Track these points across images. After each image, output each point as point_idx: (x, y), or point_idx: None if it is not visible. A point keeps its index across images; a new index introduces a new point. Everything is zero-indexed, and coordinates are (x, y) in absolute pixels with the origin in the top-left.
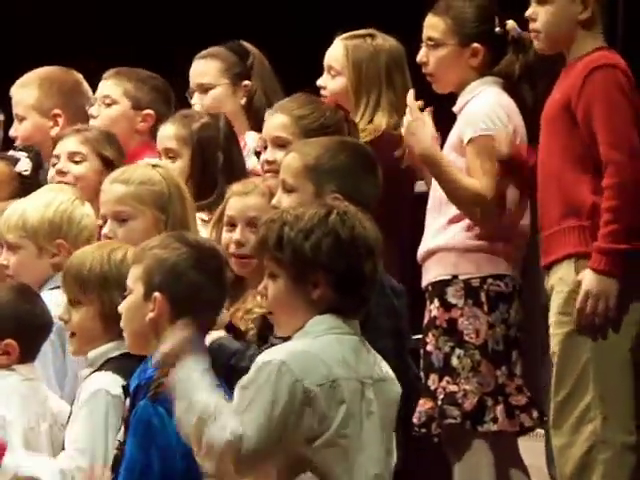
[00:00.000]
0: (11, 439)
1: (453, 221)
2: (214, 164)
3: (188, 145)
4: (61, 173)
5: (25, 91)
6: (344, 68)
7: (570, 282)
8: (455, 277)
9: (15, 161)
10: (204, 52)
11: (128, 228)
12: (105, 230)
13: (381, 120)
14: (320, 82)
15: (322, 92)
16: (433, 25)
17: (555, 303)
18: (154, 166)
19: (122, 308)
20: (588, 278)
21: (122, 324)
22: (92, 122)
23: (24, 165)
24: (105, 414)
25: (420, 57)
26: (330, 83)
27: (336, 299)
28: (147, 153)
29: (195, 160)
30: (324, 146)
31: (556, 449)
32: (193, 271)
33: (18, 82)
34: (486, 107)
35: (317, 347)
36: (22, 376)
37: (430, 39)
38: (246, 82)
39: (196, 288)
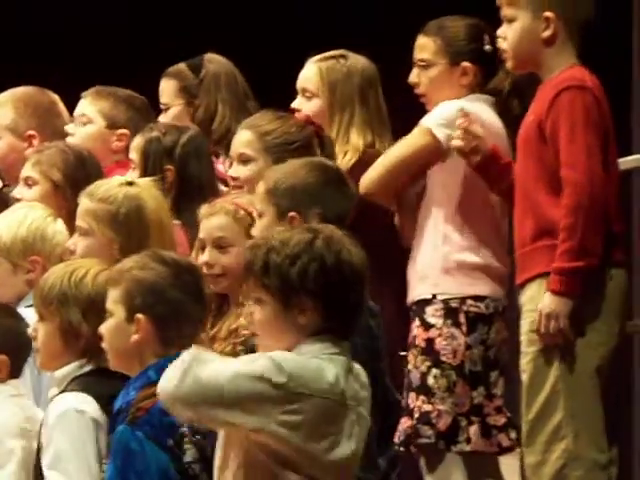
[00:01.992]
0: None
1: (431, 238)
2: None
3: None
4: (17, 199)
5: (0, 111)
6: (319, 90)
7: (539, 300)
8: (434, 297)
9: None
10: (167, 70)
11: (85, 244)
12: (68, 242)
13: (357, 139)
14: (295, 105)
15: (297, 115)
16: (423, 46)
17: (525, 322)
18: (130, 183)
19: (104, 330)
20: (544, 298)
21: (105, 346)
22: (69, 139)
23: None
24: (78, 432)
25: (412, 78)
26: (306, 105)
27: (323, 324)
28: (117, 171)
29: (140, 171)
30: (286, 168)
31: (528, 467)
32: (173, 289)
33: None
34: (448, 105)
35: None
36: (14, 390)
37: (421, 60)
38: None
39: (177, 306)
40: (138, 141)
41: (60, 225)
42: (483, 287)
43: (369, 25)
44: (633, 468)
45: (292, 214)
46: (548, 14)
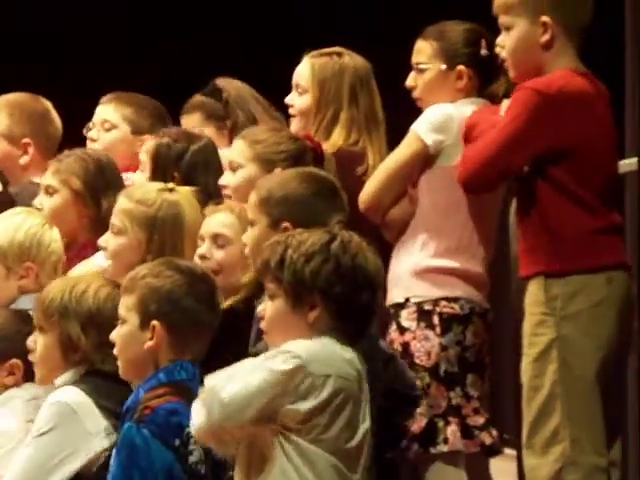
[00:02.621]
0: None
1: (408, 243)
2: (165, 181)
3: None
4: (38, 208)
5: None
6: (310, 86)
7: (540, 302)
8: (408, 300)
9: None
10: (185, 107)
11: (117, 242)
12: (100, 240)
13: (338, 137)
14: (287, 100)
15: (290, 110)
16: (420, 49)
17: (527, 324)
18: (170, 190)
19: (116, 337)
20: None
21: (116, 352)
22: (91, 145)
23: None
24: (53, 426)
25: (408, 81)
26: (297, 100)
27: (332, 325)
28: (129, 170)
29: (149, 174)
30: (279, 178)
31: (527, 469)
32: (188, 297)
33: None
34: (436, 109)
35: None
36: (28, 395)
37: (417, 63)
38: (228, 121)
39: (192, 314)
40: (150, 144)
41: (56, 234)
42: (456, 288)
43: (369, 25)
44: (627, 469)
45: (286, 224)
46: (545, 19)
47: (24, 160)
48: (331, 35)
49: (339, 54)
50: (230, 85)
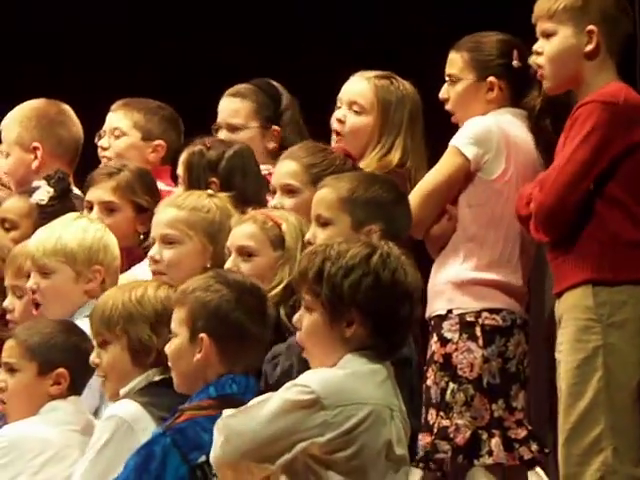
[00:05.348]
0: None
1: (450, 255)
2: (200, 188)
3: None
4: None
5: (8, 127)
6: (372, 106)
7: (586, 309)
8: (450, 312)
9: (34, 191)
10: (236, 89)
11: (174, 252)
12: (151, 252)
13: (392, 159)
14: (339, 115)
15: (335, 126)
16: (452, 61)
17: (569, 330)
18: (210, 196)
19: (168, 351)
20: None
21: (170, 365)
22: (103, 153)
23: (40, 194)
24: (108, 440)
25: (442, 94)
26: (352, 118)
27: (369, 339)
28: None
29: (184, 185)
30: (356, 179)
31: (565, 477)
32: (236, 311)
33: (5, 118)
34: (475, 122)
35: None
36: (73, 408)
37: (449, 75)
38: (275, 127)
39: (240, 328)
40: (183, 155)
41: (114, 239)
42: (498, 300)
43: (369, 25)
44: None
45: (372, 227)
46: (591, 27)
47: (35, 164)
48: (331, 35)
49: (395, 78)
50: (287, 94)
